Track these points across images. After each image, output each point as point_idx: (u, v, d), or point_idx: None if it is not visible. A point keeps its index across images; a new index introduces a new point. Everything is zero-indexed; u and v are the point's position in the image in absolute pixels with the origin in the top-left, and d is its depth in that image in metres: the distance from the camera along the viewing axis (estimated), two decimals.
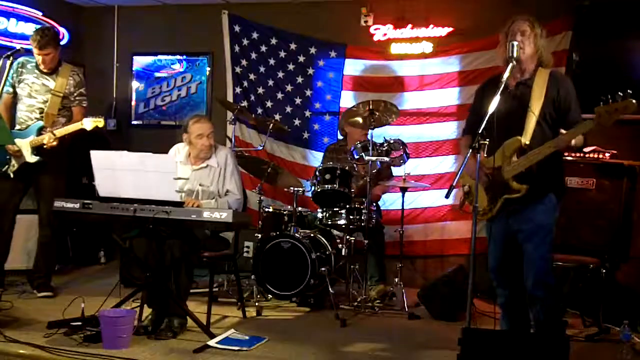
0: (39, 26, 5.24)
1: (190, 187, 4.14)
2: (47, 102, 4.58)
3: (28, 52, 4.58)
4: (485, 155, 3.05)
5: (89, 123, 4.44)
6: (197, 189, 4.10)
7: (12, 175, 4.54)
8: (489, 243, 3.33)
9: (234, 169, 4.26)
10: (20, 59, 4.60)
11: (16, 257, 4.89)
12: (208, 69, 6.50)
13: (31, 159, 4.51)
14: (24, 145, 4.51)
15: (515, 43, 3.06)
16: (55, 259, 4.96)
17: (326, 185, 4.72)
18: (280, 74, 6.21)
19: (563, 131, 3.07)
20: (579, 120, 3.08)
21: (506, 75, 3.01)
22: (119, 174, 3.57)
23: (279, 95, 6.22)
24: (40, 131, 4.52)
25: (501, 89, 2.97)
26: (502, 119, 3.09)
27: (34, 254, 4.80)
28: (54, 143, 4.47)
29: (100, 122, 4.45)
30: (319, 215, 4.92)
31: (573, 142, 3.03)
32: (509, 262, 3.27)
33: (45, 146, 4.47)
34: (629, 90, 2.75)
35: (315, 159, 6.03)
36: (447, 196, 2.99)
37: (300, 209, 4.99)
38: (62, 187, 4.64)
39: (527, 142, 3.09)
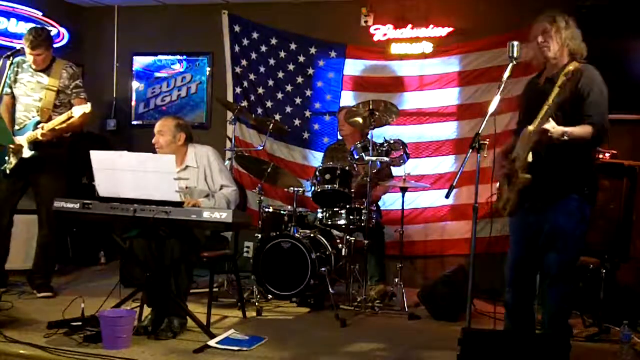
0: (32, 26, 5.22)
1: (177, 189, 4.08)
2: (43, 98, 4.57)
3: None
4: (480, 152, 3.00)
5: (77, 110, 4.35)
6: (182, 189, 4.03)
7: (8, 172, 4.54)
8: (510, 239, 3.28)
9: (220, 165, 4.18)
10: (16, 59, 4.57)
11: (16, 257, 4.89)
12: (208, 69, 6.51)
13: (26, 153, 4.50)
14: (22, 141, 4.50)
15: (516, 43, 3.04)
16: (55, 259, 4.95)
17: (326, 185, 4.72)
18: (280, 74, 6.21)
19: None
20: (592, 114, 2.97)
21: (506, 75, 3.00)
22: (119, 174, 3.56)
23: (279, 95, 6.22)
24: (36, 126, 4.50)
25: (501, 89, 2.96)
26: (527, 115, 3.06)
27: (34, 254, 4.78)
28: (47, 136, 4.43)
29: (87, 107, 4.34)
30: (319, 215, 4.92)
31: (572, 131, 2.91)
32: (526, 262, 3.21)
33: (40, 139, 4.44)
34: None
35: (315, 159, 6.04)
36: (447, 196, 2.99)
37: (300, 209, 4.99)
38: (62, 187, 4.63)
39: (532, 129, 2.99)
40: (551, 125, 2.88)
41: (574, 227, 3.07)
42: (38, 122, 4.50)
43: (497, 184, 3.25)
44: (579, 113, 3.00)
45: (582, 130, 2.96)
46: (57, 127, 4.44)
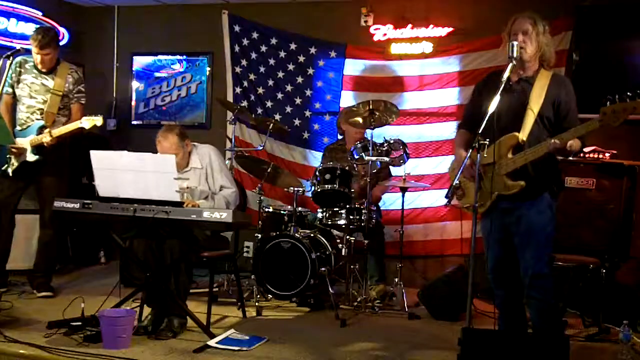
0: (39, 26, 5.24)
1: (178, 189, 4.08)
2: (47, 102, 4.58)
3: (28, 52, 4.58)
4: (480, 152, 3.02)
5: (88, 122, 4.42)
6: (184, 191, 4.03)
7: (11, 174, 4.54)
8: (486, 243, 3.33)
9: (221, 165, 4.21)
10: (18, 59, 4.57)
11: (17, 257, 4.88)
12: (208, 69, 6.51)
13: (30, 157, 4.51)
14: (25, 144, 4.51)
15: (516, 43, 3.05)
16: (56, 259, 4.96)
17: (326, 185, 4.72)
18: (280, 74, 6.21)
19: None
20: (577, 125, 3.03)
21: (506, 75, 3.00)
22: (119, 174, 3.57)
23: (279, 95, 6.22)
24: (40, 130, 4.51)
25: (501, 88, 2.97)
26: (500, 115, 3.08)
27: (34, 254, 4.80)
28: (52, 142, 4.46)
29: (98, 120, 4.42)
30: (319, 215, 4.92)
31: (569, 145, 2.97)
32: (506, 262, 3.25)
33: (45, 144, 4.46)
34: (638, 91, 2.72)
35: (315, 159, 6.03)
36: (447, 196, 2.99)
37: (300, 209, 4.99)
38: (64, 188, 4.65)
39: (525, 139, 3.07)
40: (576, 144, 2.99)
41: (546, 224, 3.13)
42: (43, 127, 4.51)
43: (455, 181, 3.27)
44: (558, 125, 3.08)
45: (577, 145, 3.05)
46: (66, 135, 4.49)
